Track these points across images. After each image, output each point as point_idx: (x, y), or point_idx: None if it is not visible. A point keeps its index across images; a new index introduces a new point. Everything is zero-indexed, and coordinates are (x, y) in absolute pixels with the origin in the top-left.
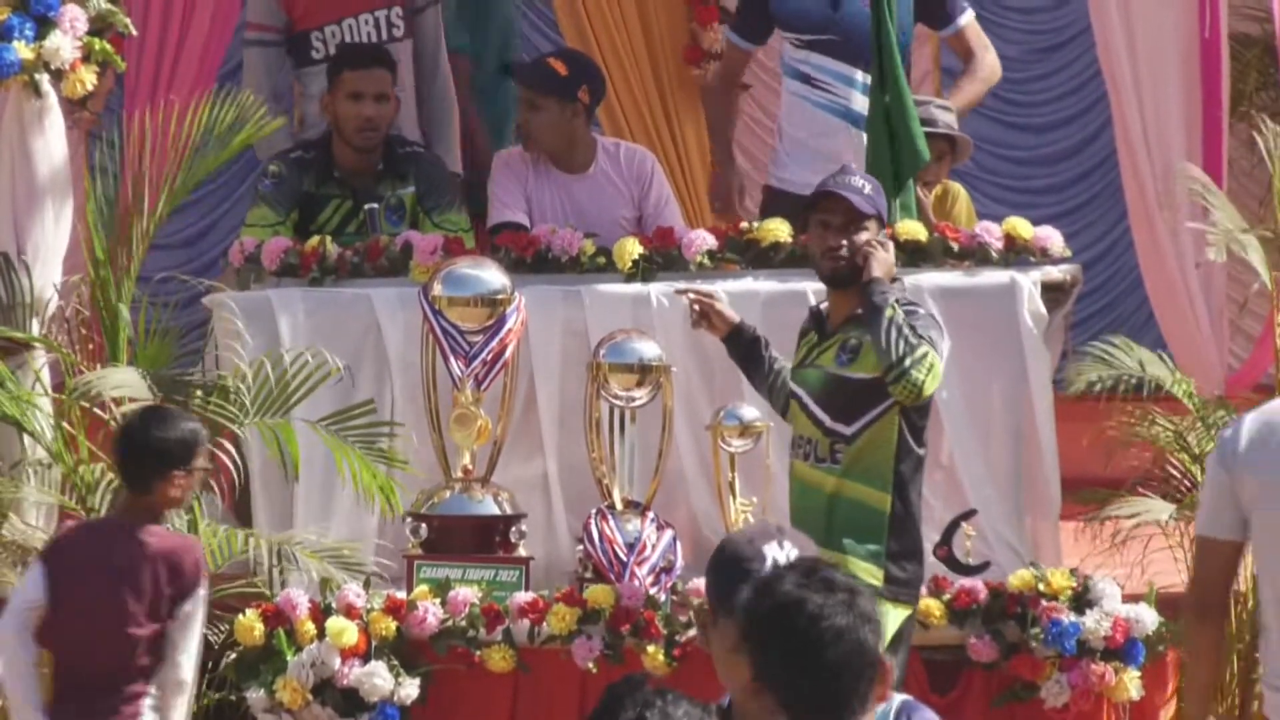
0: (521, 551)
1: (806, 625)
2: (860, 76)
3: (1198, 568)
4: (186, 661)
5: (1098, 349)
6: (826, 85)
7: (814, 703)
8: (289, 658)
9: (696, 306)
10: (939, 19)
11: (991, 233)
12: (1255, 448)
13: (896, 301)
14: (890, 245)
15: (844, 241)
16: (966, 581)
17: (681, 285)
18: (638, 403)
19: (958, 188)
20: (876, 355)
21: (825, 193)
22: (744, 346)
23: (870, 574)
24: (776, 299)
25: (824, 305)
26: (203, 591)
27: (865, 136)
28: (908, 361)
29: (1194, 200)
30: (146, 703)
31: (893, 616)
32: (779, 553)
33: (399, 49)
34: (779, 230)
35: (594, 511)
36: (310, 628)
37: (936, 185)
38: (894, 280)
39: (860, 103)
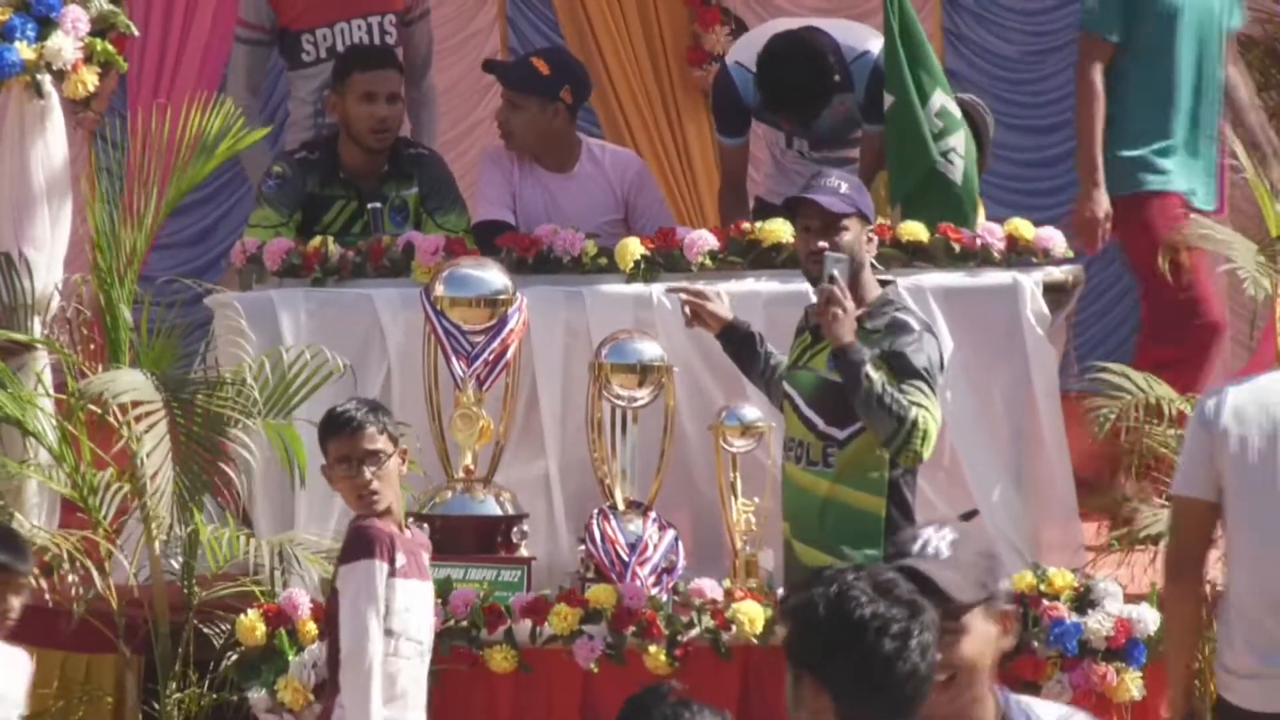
0: (523, 552)
1: (890, 644)
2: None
3: (1173, 527)
4: (343, 632)
5: (1101, 381)
6: (800, 149)
7: (877, 713)
8: (290, 658)
9: (688, 308)
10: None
11: (993, 233)
12: (1235, 420)
13: (871, 361)
14: (848, 304)
15: (824, 244)
16: None
17: (676, 285)
18: (639, 403)
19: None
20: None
21: (798, 199)
22: (737, 343)
23: None
24: (778, 299)
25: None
26: (349, 566)
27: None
28: (898, 439)
29: (1213, 250)
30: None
31: None
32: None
33: None
34: (781, 231)
35: (596, 511)
36: (312, 628)
37: None
38: (888, 283)
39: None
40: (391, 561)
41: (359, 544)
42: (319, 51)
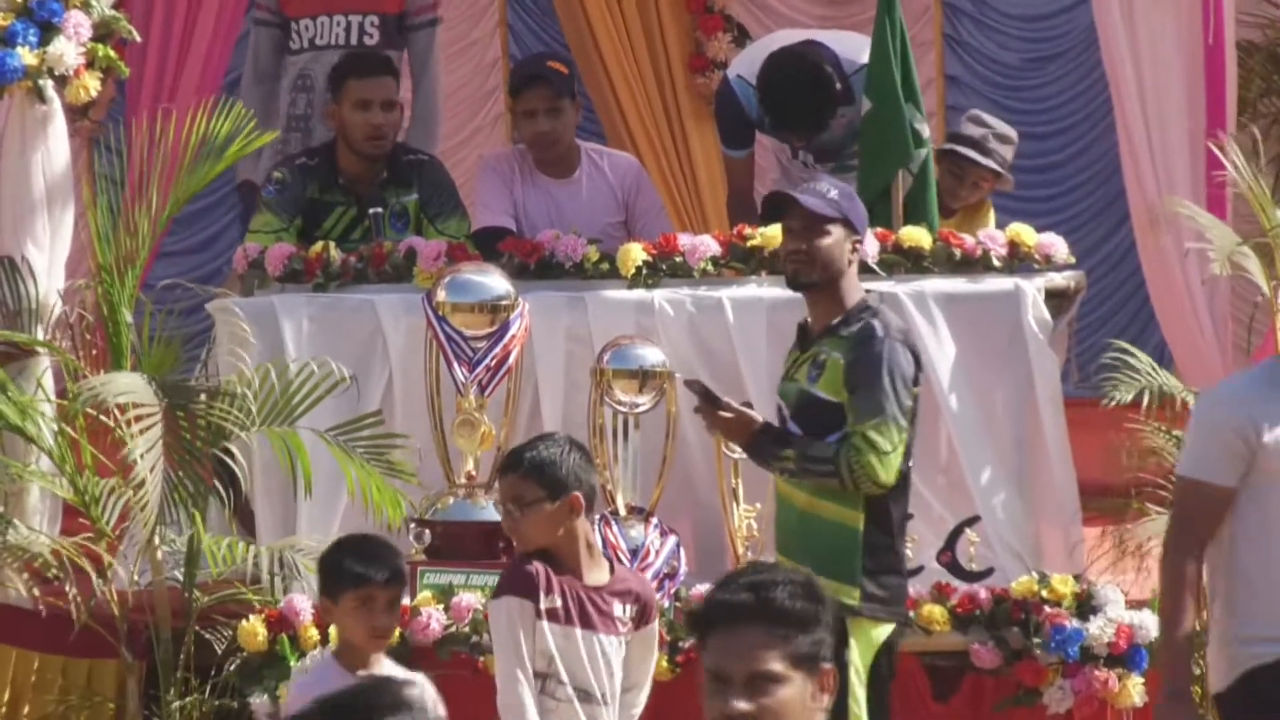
0: None
1: None
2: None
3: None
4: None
5: (1121, 360)
6: (805, 160)
7: None
8: (292, 663)
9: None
10: None
11: (995, 239)
12: None
13: (782, 453)
14: (728, 409)
15: (803, 246)
16: (970, 587)
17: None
18: (641, 409)
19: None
20: None
21: (781, 195)
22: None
23: (847, 594)
24: (780, 305)
25: (809, 318)
26: (493, 602)
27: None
28: (849, 486)
29: (1189, 224)
30: None
31: (874, 634)
32: None
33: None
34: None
35: (598, 517)
36: (314, 633)
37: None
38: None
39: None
40: (537, 601)
41: (505, 580)
42: (301, 41)
